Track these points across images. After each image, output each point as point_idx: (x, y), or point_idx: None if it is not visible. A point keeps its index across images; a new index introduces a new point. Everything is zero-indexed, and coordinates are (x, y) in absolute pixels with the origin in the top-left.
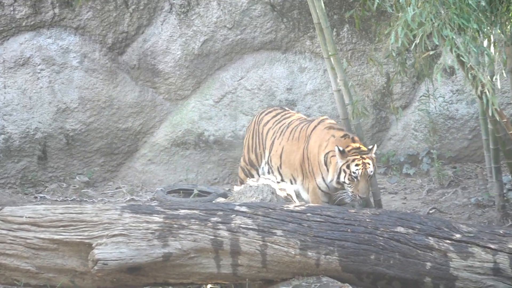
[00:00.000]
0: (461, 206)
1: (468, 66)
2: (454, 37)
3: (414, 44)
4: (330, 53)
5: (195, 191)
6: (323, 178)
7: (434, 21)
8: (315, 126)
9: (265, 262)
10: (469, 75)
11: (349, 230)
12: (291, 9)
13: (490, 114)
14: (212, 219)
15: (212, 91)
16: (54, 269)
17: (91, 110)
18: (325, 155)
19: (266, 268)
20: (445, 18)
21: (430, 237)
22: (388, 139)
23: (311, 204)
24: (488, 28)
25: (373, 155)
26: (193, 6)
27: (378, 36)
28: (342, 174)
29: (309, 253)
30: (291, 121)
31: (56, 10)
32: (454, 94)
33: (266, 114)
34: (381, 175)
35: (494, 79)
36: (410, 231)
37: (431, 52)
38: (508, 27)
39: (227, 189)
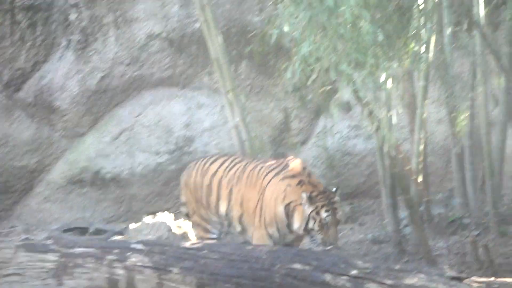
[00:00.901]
0: (358, 242)
1: (365, 101)
2: (351, 72)
3: (311, 79)
4: (228, 89)
5: (91, 229)
6: (278, 228)
7: (331, 56)
8: (271, 179)
9: None
10: (366, 110)
11: (246, 267)
12: (189, 45)
13: (386, 149)
14: (108, 257)
15: (109, 128)
16: None
17: None
18: (285, 207)
19: None
20: (342, 53)
21: (326, 274)
22: None
23: (207, 241)
24: (386, 62)
25: (338, 198)
26: (90, 42)
27: (278, 71)
28: (311, 221)
29: None
30: (246, 164)
31: None
32: (351, 129)
33: (211, 164)
34: None
35: (390, 114)
36: (307, 267)
37: (328, 87)
38: (406, 61)
39: (124, 227)
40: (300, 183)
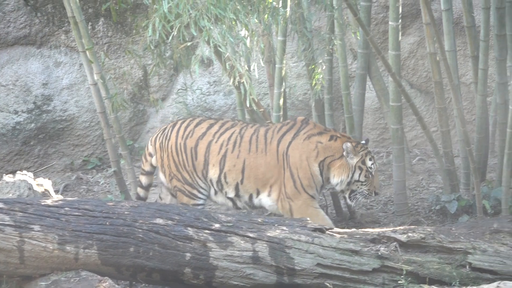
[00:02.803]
0: None
1: (226, 56)
2: (211, 27)
3: (171, 35)
4: (85, 47)
5: None
6: (316, 189)
7: (191, 12)
8: (290, 142)
9: (23, 258)
10: (226, 65)
11: (107, 223)
12: (45, 3)
13: (248, 104)
14: None
15: None
16: None
17: None
18: (319, 164)
19: (24, 264)
20: (202, 8)
21: (189, 228)
22: (147, 132)
23: (68, 198)
24: (245, 17)
25: None
26: None
27: (136, 29)
28: (358, 172)
29: (68, 248)
30: (241, 129)
31: None
32: (211, 85)
33: (196, 126)
34: (140, 168)
35: (251, 69)
36: (169, 222)
37: (189, 43)
38: (265, 16)
39: None
40: (332, 138)
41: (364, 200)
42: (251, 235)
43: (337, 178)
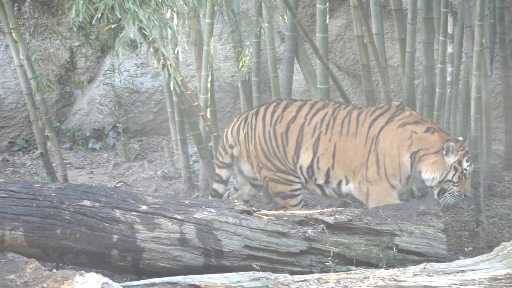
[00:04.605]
0: (148, 179)
1: (151, 39)
2: (136, 9)
3: (96, 18)
4: (11, 27)
5: None
6: (400, 179)
7: None
8: (383, 126)
9: None
10: (152, 48)
11: (34, 204)
12: None
13: (172, 87)
14: None
15: None
16: None
17: None
18: (411, 155)
19: None
20: None
21: (116, 210)
22: (74, 114)
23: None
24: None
25: None
26: None
27: (61, 9)
28: (452, 172)
29: None
30: (334, 110)
31: None
32: (138, 67)
33: (284, 110)
34: (66, 150)
35: (176, 52)
36: (96, 204)
37: (114, 26)
38: None
39: None
40: (429, 130)
41: (453, 200)
42: (178, 217)
43: (429, 174)
